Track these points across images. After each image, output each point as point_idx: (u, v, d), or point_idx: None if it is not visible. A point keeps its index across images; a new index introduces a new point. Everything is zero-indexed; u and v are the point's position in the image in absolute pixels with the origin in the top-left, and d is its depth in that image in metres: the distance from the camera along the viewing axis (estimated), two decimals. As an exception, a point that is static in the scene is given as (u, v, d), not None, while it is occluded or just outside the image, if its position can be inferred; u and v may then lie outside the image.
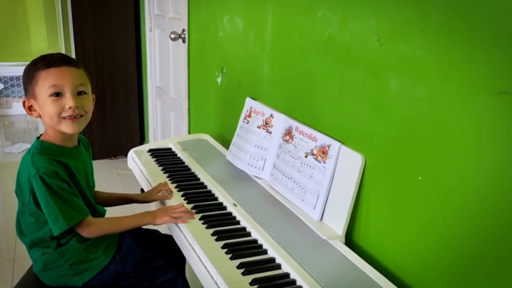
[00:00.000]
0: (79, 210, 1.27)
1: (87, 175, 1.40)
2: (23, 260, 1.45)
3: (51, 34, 5.32)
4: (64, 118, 1.27)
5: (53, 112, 1.26)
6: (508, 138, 0.88)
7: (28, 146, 4.10)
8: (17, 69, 5.11)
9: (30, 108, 1.30)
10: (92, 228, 1.30)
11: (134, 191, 1.67)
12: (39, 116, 1.30)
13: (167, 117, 3.24)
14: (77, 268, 1.35)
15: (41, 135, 1.35)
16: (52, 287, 1.37)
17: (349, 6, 1.28)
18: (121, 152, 3.84)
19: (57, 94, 1.26)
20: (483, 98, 0.91)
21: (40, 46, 5.33)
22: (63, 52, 3.82)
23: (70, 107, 1.26)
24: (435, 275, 1.07)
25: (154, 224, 1.39)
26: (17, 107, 5.21)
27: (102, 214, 1.45)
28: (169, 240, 1.52)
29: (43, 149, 1.29)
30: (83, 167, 1.38)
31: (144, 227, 1.45)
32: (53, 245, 1.32)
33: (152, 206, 1.57)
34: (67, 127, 1.28)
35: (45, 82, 1.25)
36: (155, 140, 3.58)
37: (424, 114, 1.06)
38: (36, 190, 1.24)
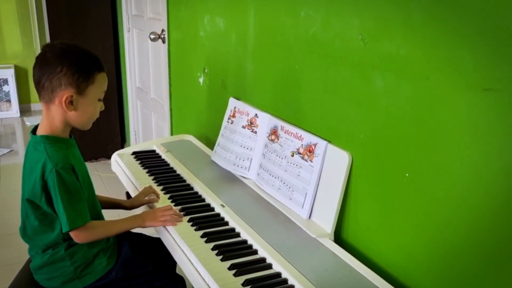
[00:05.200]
0: (82, 215, 1.27)
1: (84, 164, 1.40)
2: (19, 265, 1.44)
3: (26, 36, 5.22)
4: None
5: (94, 113, 1.33)
6: (492, 134, 0.89)
7: (5, 151, 4.04)
8: (-8, 72, 5.01)
9: (69, 103, 1.26)
10: (88, 233, 1.29)
11: (116, 193, 1.65)
12: (71, 112, 1.27)
13: (148, 118, 3.22)
14: (81, 271, 1.34)
15: (35, 129, 1.32)
16: None
17: (332, 5, 1.29)
18: (102, 154, 3.80)
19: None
20: (468, 95, 0.93)
21: (15, 48, 5.22)
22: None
23: (101, 111, 1.36)
24: (424, 270, 1.09)
25: (143, 227, 1.39)
26: (-8, 111, 5.11)
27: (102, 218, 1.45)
28: (157, 242, 1.52)
29: (55, 141, 1.28)
30: (79, 154, 1.38)
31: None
32: (64, 246, 1.32)
33: (138, 211, 1.56)
34: (89, 126, 1.36)
35: (102, 85, 1.32)
36: (136, 142, 3.55)
37: (410, 112, 1.08)
38: (50, 185, 1.23)
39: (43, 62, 1.25)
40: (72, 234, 1.27)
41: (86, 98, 1.28)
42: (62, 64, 1.23)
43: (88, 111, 1.31)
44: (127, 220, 1.38)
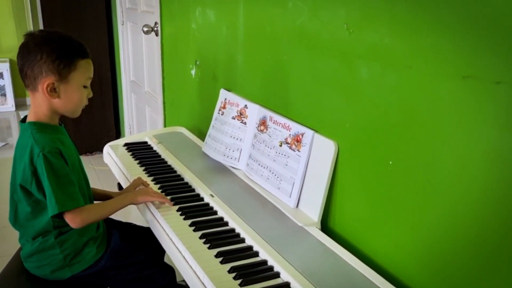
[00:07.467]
0: (73, 198, 1.27)
1: (75, 151, 1.41)
2: (8, 258, 1.45)
3: (21, 30, 5.20)
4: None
5: (80, 100, 1.33)
6: (472, 121, 0.91)
7: (0, 144, 4.04)
8: (-14, 66, 5.00)
9: (52, 90, 1.27)
10: (84, 215, 1.28)
11: (111, 186, 1.66)
12: (55, 99, 1.29)
13: (142, 111, 3.22)
14: (71, 259, 1.35)
15: (25, 117, 1.34)
16: (36, 277, 1.37)
17: (318, -5, 1.30)
18: (97, 148, 3.80)
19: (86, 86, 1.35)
20: (448, 83, 0.94)
21: (10, 42, 5.20)
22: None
23: (89, 98, 1.37)
24: (409, 257, 1.11)
25: (136, 202, 1.42)
26: (-13, 105, 5.10)
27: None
28: (146, 232, 1.53)
29: (41, 127, 1.30)
30: (69, 142, 1.39)
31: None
32: (54, 233, 1.33)
33: (130, 208, 1.56)
34: (78, 113, 1.37)
35: (86, 72, 1.32)
36: (131, 135, 3.55)
37: (393, 100, 1.09)
38: (38, 169, 1.24)
39: (24, 50, 1.27)
40: (67, 218, 1.26)
41: (69, 85, 1.29)
42: (42, 51, 1.25)
43: (73, 98, 1.31)
44: (119, 198, 1.41)
